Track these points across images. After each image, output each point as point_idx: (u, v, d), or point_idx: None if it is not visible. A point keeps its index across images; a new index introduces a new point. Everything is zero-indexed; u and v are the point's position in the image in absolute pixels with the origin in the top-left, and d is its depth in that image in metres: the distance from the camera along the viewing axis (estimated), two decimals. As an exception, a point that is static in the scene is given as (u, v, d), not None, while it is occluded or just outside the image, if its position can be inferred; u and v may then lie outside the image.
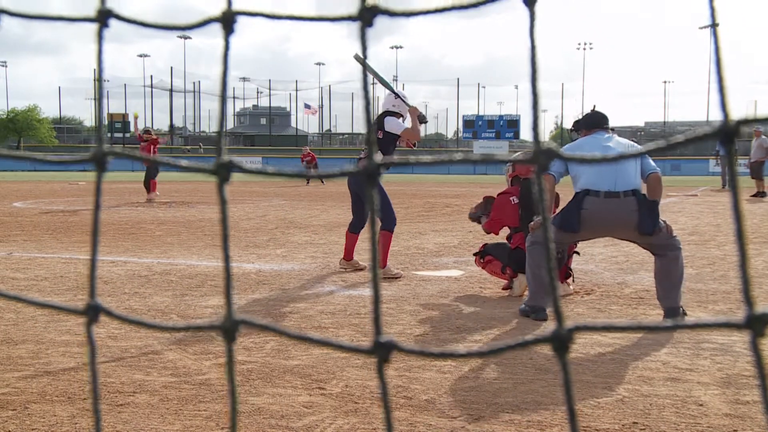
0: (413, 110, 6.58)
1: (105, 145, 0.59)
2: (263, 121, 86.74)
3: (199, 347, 3.93)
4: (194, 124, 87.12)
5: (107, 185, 24.19)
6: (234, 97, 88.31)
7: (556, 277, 0.57)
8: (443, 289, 5.82)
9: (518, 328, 4.55)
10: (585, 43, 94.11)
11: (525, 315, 4.80)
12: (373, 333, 0.59)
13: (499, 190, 6.04)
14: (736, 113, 0.54)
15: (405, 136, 6.52)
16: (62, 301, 4.79)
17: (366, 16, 0.50)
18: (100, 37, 0.54)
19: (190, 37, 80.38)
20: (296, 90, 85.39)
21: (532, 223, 5.24)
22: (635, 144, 4.85)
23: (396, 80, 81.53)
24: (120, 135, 63.03)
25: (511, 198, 5.87)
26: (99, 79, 0.57)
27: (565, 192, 5.04)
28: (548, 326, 4.61)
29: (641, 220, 4.61)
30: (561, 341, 0.56)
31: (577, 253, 5.86)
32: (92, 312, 0.64)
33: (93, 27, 0.57)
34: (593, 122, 5.13)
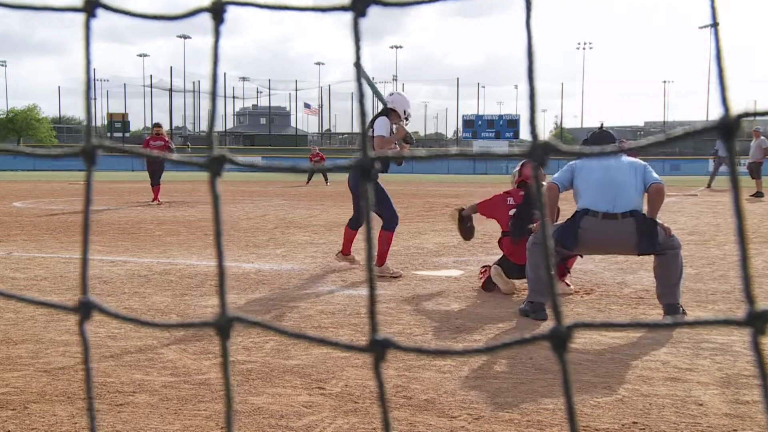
0: (400, 128, 6.54)
1: (93, 138, 0.58)
2: (263, 120, 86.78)
3: (199, 347, 3.92)
4: (194, 123, 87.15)
5: (107, 185, 24.18)
6: (234, 97, 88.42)
7: (556, 276, 0.56)
8: (443, 289, 5.82)
9: (518, 328, 4.55)
10: (585, 43, 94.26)
11: (525, 315, 4.80)
12: (369, 331, 0.58)
13: (499, 191, 6.06)
14: (736, 110, 0.54)
15: (375, 141, 6.39)
16: (61, 301, 4.79)
17: (359, 6, 0.49)
18: (87, 28, 0.53)
19: (189, 37, 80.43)
20: (296, 90, 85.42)
21: (531, 225, 5.26)
22: (640, 161, 4.88)
23: (396, 80, 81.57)
24: (120, 135, 63.01)
25: (508, 198, 5.87)
26: (87, 71, 0.56)
27: (566, 207, 5.04)
28: (548, 325, 4.60)
29: (640, 242, 4.65)
30: (560, 339, 0.56)
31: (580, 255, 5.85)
32: (84, 309, 0.63)
33: (91, 23, 0.56)
34: (600, 142, 5.25)
